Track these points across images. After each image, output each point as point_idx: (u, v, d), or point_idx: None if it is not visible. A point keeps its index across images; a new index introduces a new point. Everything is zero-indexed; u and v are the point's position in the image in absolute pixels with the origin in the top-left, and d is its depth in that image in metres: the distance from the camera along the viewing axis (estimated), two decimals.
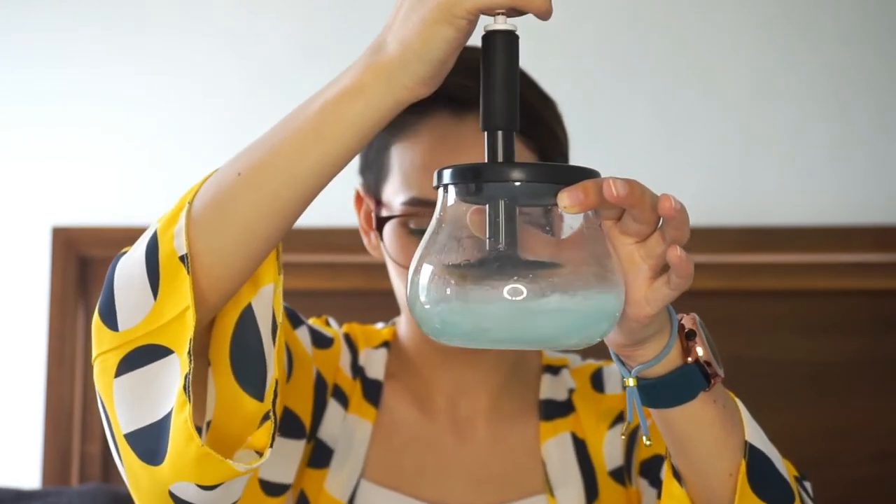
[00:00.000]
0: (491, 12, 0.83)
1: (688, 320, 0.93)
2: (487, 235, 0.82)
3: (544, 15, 0.83)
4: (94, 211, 2.05)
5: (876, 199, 2.00)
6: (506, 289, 0.79)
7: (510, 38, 0.83)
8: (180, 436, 0.88)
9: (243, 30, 2.08)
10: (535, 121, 1.19)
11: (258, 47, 2.08)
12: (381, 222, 1.20)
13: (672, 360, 0.92)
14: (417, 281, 0.82)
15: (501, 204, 0.81)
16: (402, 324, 1.30)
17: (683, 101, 2.03)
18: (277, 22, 2.08)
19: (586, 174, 0.82)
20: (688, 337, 0.92)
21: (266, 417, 0.93)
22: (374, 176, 1.23)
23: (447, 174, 0.83)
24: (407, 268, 1.15)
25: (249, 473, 0.91)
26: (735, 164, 2.02)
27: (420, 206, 1.17)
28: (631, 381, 0.92)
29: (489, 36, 0.83)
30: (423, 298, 0.82)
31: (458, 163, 0.84)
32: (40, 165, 2.08)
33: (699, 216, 1.98)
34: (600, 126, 2.03)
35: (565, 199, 0.80)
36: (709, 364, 0.92)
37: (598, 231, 0.84)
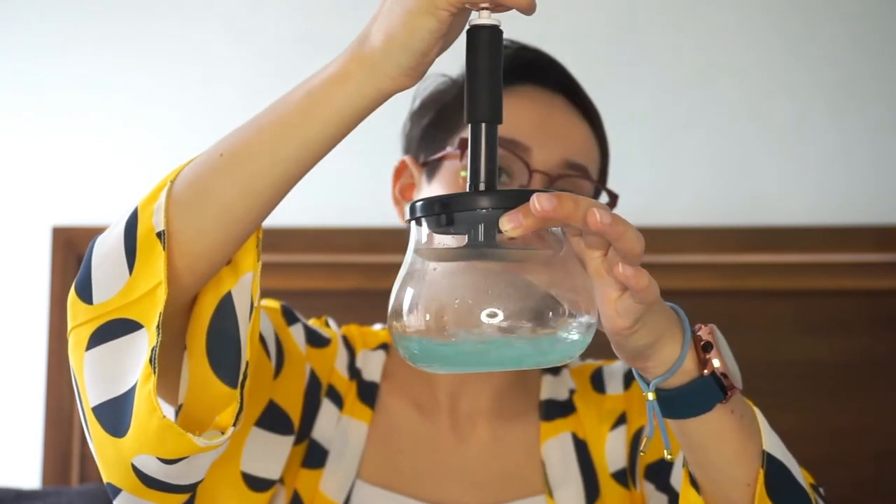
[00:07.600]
0: (475, 6, 0.84)
1: (704, 332, 0.93)
2: (468, 243, 0.82)
3: (526, 10, 0.84)
4: (94, 211, 2.05)
5: (876, 199, 2.00)
6: (483, 314, 0.80)
7: (494, 33, 0.85)
8: (143, 407, 0.90)
9: (246, 28, 2.08)
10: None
11: (262, 45, 2.08)
12: (436, 161, 1.25)
13: (688, 372, 0.92)
14: (397, 309, 0.83)
15: (481, 227, 0.82)
16: None
17: (683, 100, 2.03)
18: (280, 17, 2.08)
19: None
20: (704, 349, 0.92)
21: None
22: (439, 143, 1.25)
23: (419, 207, 0.83)
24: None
25: (211, 451, 0.92)
26: (735, 164, 2.02)
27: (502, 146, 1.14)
28: (650, 395, 0.92)
29: (473, 30, 0.85)
30: (402, 325, 0.83)
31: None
32: (40, 165, 2.08)
33: (699, 216, 1.99)
34: None
35: (505, 222, 0.80)
36: (725, 376, 0.92)
37: (569, 250, 0.84)
